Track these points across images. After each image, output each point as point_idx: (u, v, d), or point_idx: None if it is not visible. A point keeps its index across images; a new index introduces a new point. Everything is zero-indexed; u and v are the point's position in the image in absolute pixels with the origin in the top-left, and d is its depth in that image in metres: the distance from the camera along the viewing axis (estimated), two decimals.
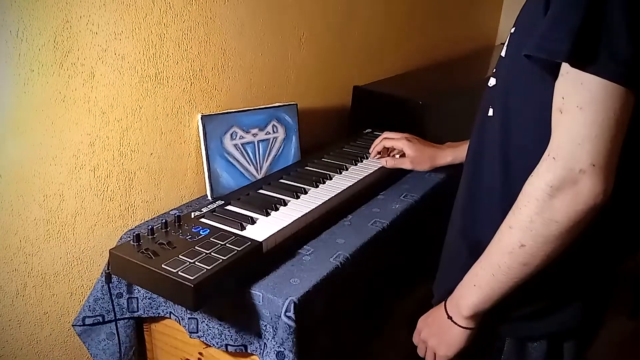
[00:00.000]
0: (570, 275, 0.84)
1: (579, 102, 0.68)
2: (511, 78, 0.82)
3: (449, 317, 0.88)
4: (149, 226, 1.03)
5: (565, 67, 0.69)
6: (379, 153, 1.45)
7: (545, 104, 0.74)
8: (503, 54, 0.86)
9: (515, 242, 0.75)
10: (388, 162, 1.41)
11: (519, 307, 0.86)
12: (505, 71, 0.85)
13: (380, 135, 1.45)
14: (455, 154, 1.34)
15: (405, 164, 1.38)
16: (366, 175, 1.36)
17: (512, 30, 0.83)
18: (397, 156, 1.44)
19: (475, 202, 0.91)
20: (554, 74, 0.71)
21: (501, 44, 0.88)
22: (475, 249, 0.86)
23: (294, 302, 0.93)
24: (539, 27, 0.71)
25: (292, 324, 0.92)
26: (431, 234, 1.02)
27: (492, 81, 0.89)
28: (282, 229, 1.08)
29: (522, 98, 0.80)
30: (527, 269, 0.76)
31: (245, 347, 1.03)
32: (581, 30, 0.66)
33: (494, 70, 0.90)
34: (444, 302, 0.90)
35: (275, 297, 0.95)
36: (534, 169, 0.74)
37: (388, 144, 1.41)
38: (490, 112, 0.87)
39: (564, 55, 0.67)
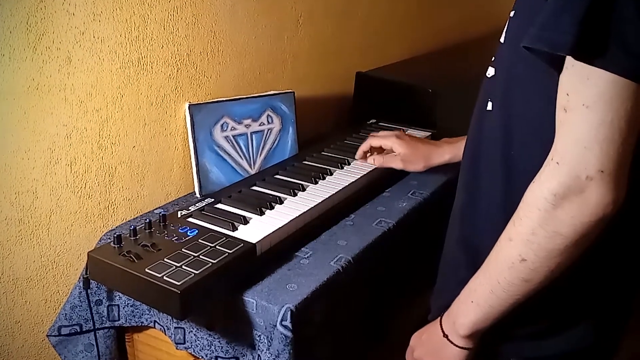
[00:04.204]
0: (580, 289, 0.83)
1: (585, 100, 0.66)
2: (511, 68, 0.81)
3: (445, 336, 0.87)
4: (131, 226, 1.03)
5: (570, 59, 0.68)
6: (365, 154, 1.40)
7: (550, 97, 0.72)
8: (502, 40, 0.84)
9: (516, 256, 0.74)
10: (376, 160, 1.36)
11: (524, 324, 0.85)
12: (504, 60, 0.83)
13: (384, 128, 1.44)
14: (453, 151, 1.30)
15: (396, 163, 1.33)
16: (370, 171, 1.36)
17: (512, 13, 0.81)
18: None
19: (473, 207, 0.90)
20: (558, 66, 0.70)
21: None
22: (474, 261, 0.85)
23: (291, 310, 0.93)
24: (539, 14, 0.69)
25: (288, 333, 0.92)
26: (441, 236, 1.02)
27: (490, 71, 0.87)
28: (277, 229, 1.08)
29: (524, 90, 0.79)
30: (529, 286, 0.75)
31: (237, 359, 1.03)
32: (587, 18, 0.64)
33: (492, 58, 0.88)
34: (439, 319, 0.90)
35: (270, 305, 0.95)
36: (533, 170, 0.72)
37: (375, 142, 1.37)
38: (489, 106, 0.85)
39: (568, 47, 0.65)
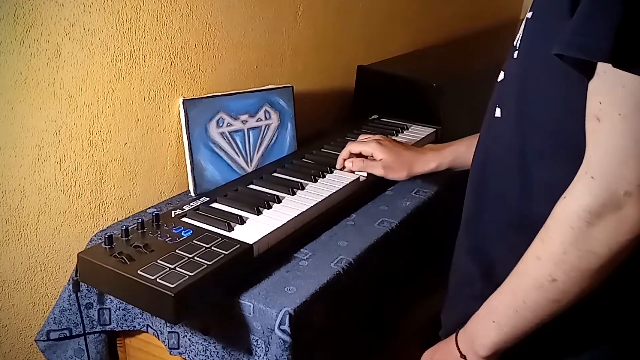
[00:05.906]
0: (604, 307, 0.81)
1: (620, 109, 0.65)
2: (526, 73, 0.80)
3: (462, 356, 0.86)
4: (122, 226, 1.03)
5: (602, 65, 0.66)
6: (344, 161, 1.34)
7: (570, 104, 0.72)
8: (516, 43, 0.83)
9: (545, 275, 0.72)
10: (355, 164, 1.31)
11: (540, 343, 0.84)
12: (518, 64, 0.82)
13: (387, 124, 1.44)
14: (438, 159, 1.26)
15: (377, 169, 1.28)
16: None
17: (529, 15, 0.80)
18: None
19: (483, 216, 0.90)
20: (587, 72, 0.69)
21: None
22: (489, 273, 0.85)
23: (290, 314, 0.93)
24: (565, 17, 0.68)
25: (287, 338, 0.92)
26: (446, 236, 1.02)
27: (501, 75, 0.87)
28: (275, 229, 1.08)
29: (541, 97, 0.78)
30: (558, 306, 0.74)
31: None
32: (624, 23, 0.63)
33: (505, 62, 0.87)
34: (454, 336, 0.89)
35: (268, 308, 0.95)
36: (552, 181, 0.72)
37: (355, 148, 1.32)
38: (498, 113, 0.85)
39: (605, 54, 0.64)
